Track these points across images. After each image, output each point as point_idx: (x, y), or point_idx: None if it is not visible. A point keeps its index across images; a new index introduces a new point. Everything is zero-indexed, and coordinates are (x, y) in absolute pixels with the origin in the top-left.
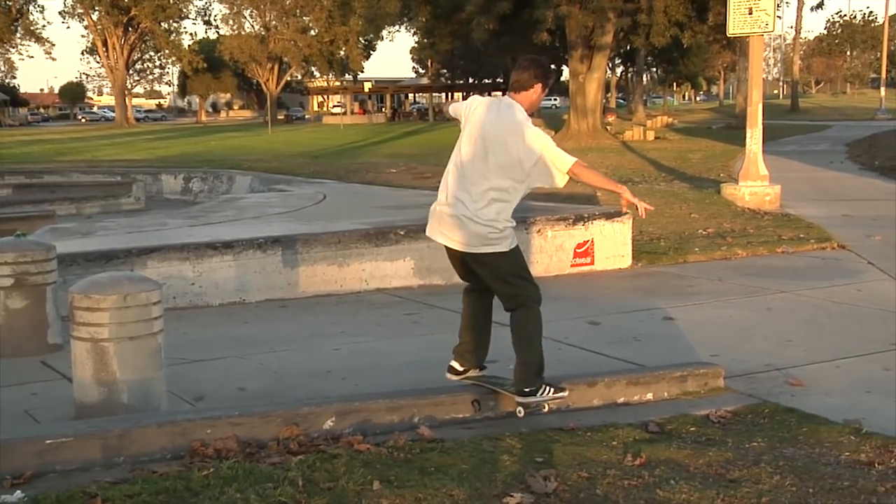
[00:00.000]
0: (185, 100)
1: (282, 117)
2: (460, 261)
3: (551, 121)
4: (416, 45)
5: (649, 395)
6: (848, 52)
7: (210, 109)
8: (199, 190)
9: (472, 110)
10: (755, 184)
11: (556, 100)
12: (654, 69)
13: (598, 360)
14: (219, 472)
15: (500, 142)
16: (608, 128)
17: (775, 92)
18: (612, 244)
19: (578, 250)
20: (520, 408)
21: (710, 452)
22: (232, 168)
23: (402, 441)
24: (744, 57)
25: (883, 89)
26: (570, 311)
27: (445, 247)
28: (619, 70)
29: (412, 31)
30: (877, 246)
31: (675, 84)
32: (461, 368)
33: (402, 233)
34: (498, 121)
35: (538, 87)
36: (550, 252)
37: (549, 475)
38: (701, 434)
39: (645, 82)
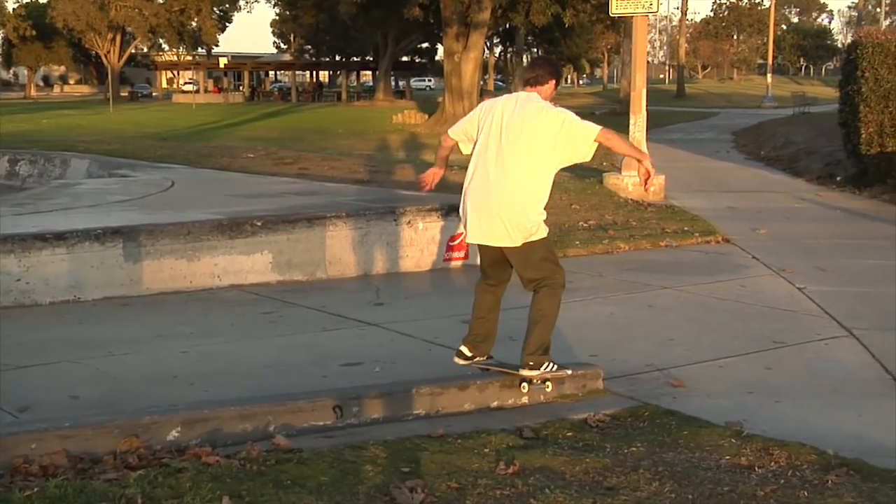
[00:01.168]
0: (11, 72)
1: (125, 94)
2: (495, 253)
3: (424, 104)
4: (276, 18)
5: (524, 399)
6: (735, 36)
7: (41, 83)
8: (27, 174)
9: (489, 111)
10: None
11: (429, 80)
12: (535, 49)
13: None
14: (44, 491)
15: (526, 129)
16: None
17: (661, 76)
18: None
19: (452, 243)
20: (524, 383)
21: (588, 459)
22: (66, 150)
23: (256, 452)
24: (628, 38)
25: (769, 76)
26: (442, 308)
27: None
28: (497, 50)
29: (272, 1)
30: (762, 239)
31: None
32: (470, 354)
33: (259, 224)
34: (521, 111)
35: (552, 82)
36: (422, 245)
37: (415, 486)
38: (578, 439)
39: (525, 63)
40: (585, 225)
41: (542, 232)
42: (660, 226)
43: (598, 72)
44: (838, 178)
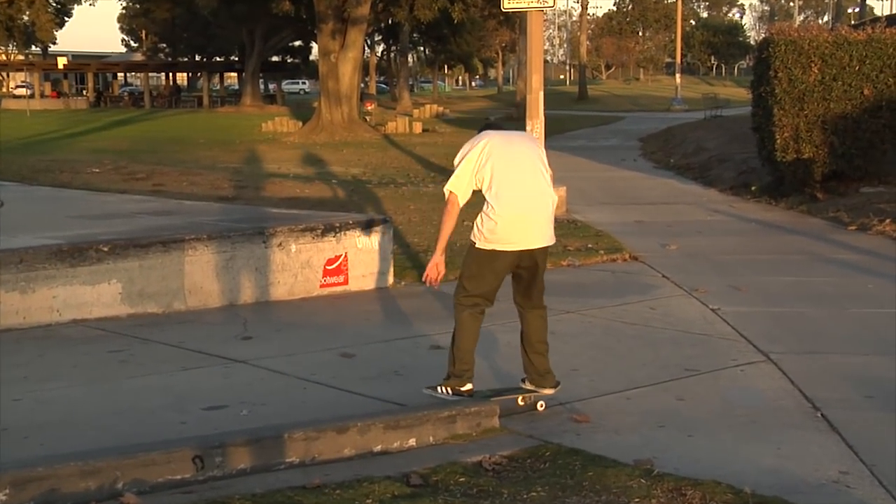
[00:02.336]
0: None
1: None
2: (519, 264)
3: (298, 109)
4: (124, 12)
5: (412, 441)
6: (640, 33)
7: None
8: None
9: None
10: None
11: (304, 83)
12: (422, 48)
13: (351, 400)
14: None
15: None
16: (367, 118)
17: (561, 77)
18: (369, 259)
19: (329, 267)
20: (542, 402)
21: None
22: None
23: None
24: (524, 35)
25: (678, 76)
26: (318, 341)
27: (503, 252)
28: (379, 49)
29: None
30: (672, 256)
31: (446, 66)
32: (473, 388)
33: (105, 249)
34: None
35: None
36: (295, 270)
37: None
38: (472, 485)
39: (411, 64)
40: None
41: None
42: (561, 243)
43: (492, 72)
44: (753, 188)
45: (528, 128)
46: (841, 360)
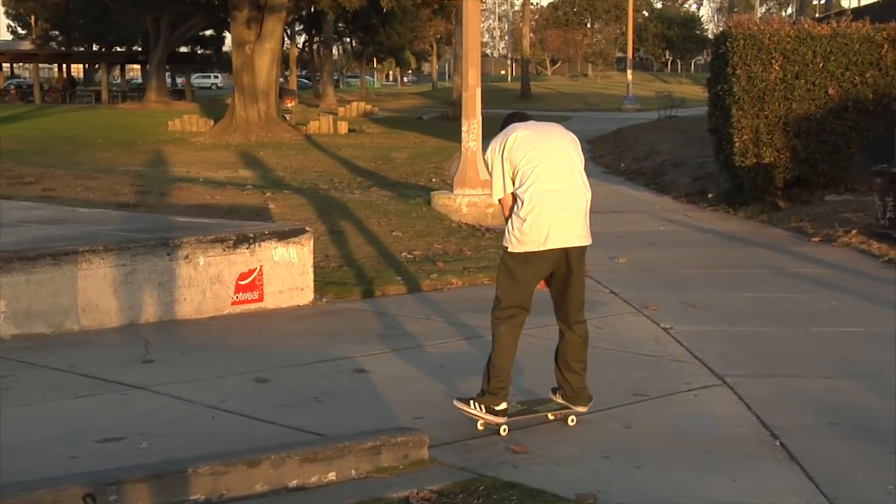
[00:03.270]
0: None
1: None
2: (554, 269)
3: (210, 106)
4: None
5: (331, 475)
6: (589, 25)
7: None
8: None
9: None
10: (474, 192)
11: (216, 77)
12: (348, 40)
13: (265, 430)
14: None
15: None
16: (287, 117)
17: (502, 73)
18: (287, 274)
19: (242, 282)
20: (573, 417)
21: None
22: None
23: None
24: (460, 26)
25: (630, 72)
26: (229, 364)
27: (535, 254)
28: (301, 40)
29: None
30: (621, 270)
31: (375, 60)
32: (506, 407)
33: None
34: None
35: None
36: (203, 285)
37: None
38: None
39: (336, 57)
40: (409, 256)
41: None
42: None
43: (426, 67)
44: (710, 195)
45: (463, 129)
46: (803, 384)
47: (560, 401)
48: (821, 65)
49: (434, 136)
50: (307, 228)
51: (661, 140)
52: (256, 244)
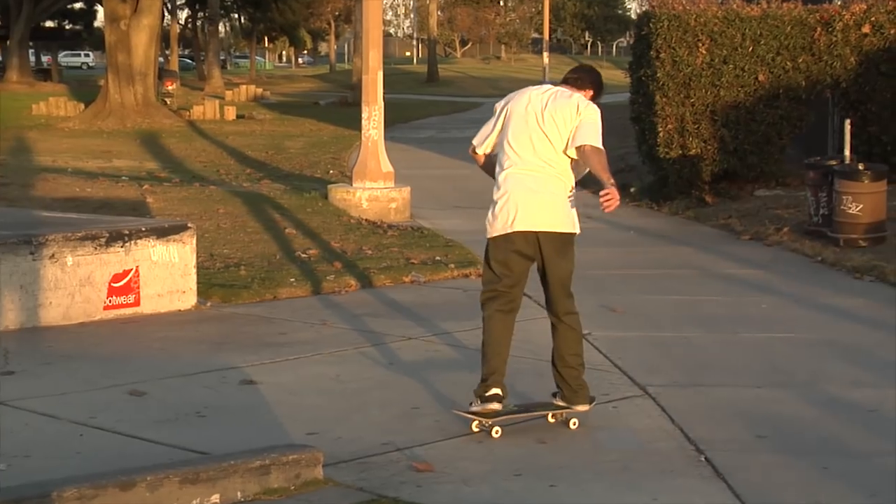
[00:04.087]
0: None
1: None
2: (525, 254)
3: (80, 88)
4: None
5: (215, 498)
6: (502, 3)
7: None
8: None
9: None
10: (376, 185)
11: (87, 56)
12: (237, 16)
13: (141, 448)
14: None
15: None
16: (167, 101)
17: (407, 54)
18: (167, 275)
19: (116, 285)
20: (575, 420)
21: None
22: None
23: None
24: (361, 3)
25: (546, 55)
26: (101, 376)
27: (497, 238)
28: (183, 15)
29: None
30: (533, 270)
31: (266, 39)
32: (503, 394)
33: None
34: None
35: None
36: (72, 288)
37: None
38: None
39: (222, 35)
40: (304, 256)
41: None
42: (404, 255)
43: (323, 47)
44: (632, 189)
45: (364, 115)
46: (730, 394)
47: (560, 403)
48: (750, 49)
49: (332, 124)
50: (190, 225)
51: None
52: (132, 242)
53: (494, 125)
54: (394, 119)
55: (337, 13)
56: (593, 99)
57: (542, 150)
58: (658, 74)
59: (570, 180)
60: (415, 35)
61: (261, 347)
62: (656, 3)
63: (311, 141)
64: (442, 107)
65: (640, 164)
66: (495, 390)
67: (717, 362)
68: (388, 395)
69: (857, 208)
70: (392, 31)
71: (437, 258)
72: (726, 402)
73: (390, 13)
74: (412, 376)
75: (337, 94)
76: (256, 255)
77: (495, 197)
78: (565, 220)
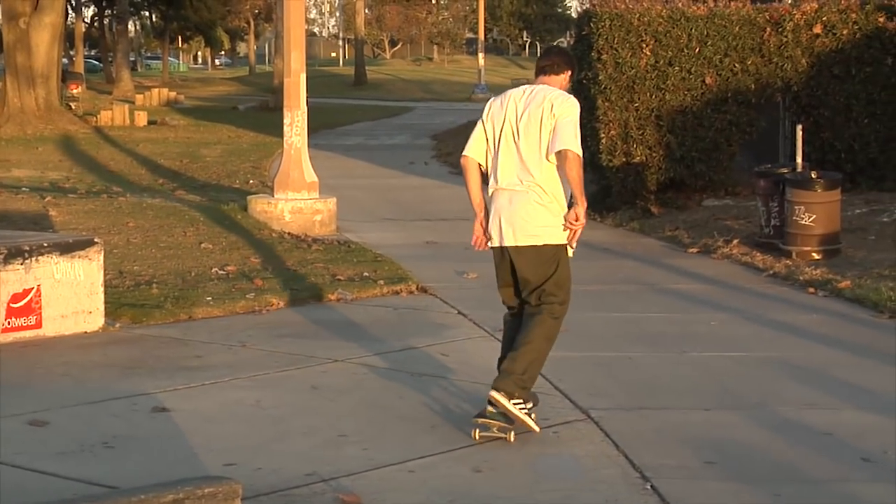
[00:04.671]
0: None
1: None
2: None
3: None
4: None
5: None
6: (434, 0)
7: None
8: None
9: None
10: (299, 196)
11: None
12: (147, 13)
13: (42, 482)
14: None
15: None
16: (72, 105)
17: (333, 55)
18: (71, 294)
19: (15, 305)
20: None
21: None
22: None
23: None
24: (282, 0)
25: (482, 56)
26: None
27: (494, 249)
28: (89, 13)
29: None
30: (472, 287)
31: (180, 39)
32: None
33: None
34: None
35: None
36: None
37: None
38: None
39: (132, 34)
40: (221, 272)
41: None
42: (329, 271)
43: (242, 48)
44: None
45: (286, 121)
46: (677, 417)
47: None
48: (697, 50)
49: (252, 130)
50: (96, 240)
51: None
52: (33, 259)
53: (484, 134)
54: (319, 125)
55: (257, 11)
56: (572, 77)
57: (526, 159)
58: (600, 77)
59: (557, 187)
60: (341, 35)
61: (174, 372)
62: (597, 2)
63: (230, 149)
64: (370, 111)
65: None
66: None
67: (663, 384)
68: (313, 422)
69: (810, 219)
70: (316, 30)
71: (366, 274)
72: (673, 426)
73: (314, 11)
74: (338, 402)
75: (257, 98)
76: (170, 272)
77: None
78: (540, 231)
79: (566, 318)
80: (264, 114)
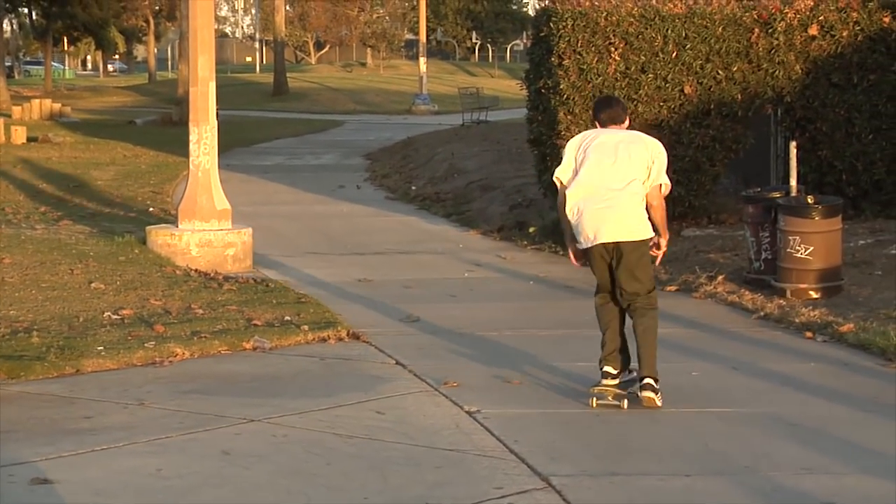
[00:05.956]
0: None
1: None
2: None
3: None
4: None
5: None
6: None
7: None
8: None
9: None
10: (208, 226)
11: None
12: (26, 10)
13: None
14: None
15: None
16: None
17: (248, 60)
18: None
19: None
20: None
21: None
22: None
23: None
24: None
25: (424, 61)
26: None
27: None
28: None
29: None
30: (411, 333)
31: (66, 41)
32: (615, 371)
33: None
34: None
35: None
36: None
37: None
38: None
39: (8, 35)
40: (116, 317)
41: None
42: (244, 314)
43: (139, 51)
44: (531, 229)
45: (192, 138)
46: (653, 485)
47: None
48: (674, 54)
49: (151, 148)
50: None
51: (467, 154)
52: None
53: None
54: (231, 142)
55: (157, 7)
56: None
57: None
58: (561, 86)
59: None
60: (257, 36)
61: (59, 436)
62: None
63: (125, 170)
64: (292, 126)
65: (542, 198)
66: (608, 369)
67: (637, 445)
68: (224, 495)
69: (807, 251)
70: (228, 30)
71: (287, 318)
72: (648, 494)
73: (225, 8)
74: (254, 469)
75: (158, 111)
76: (54, 317)
77: None
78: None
79: (516, 367)
80: (166, 129)
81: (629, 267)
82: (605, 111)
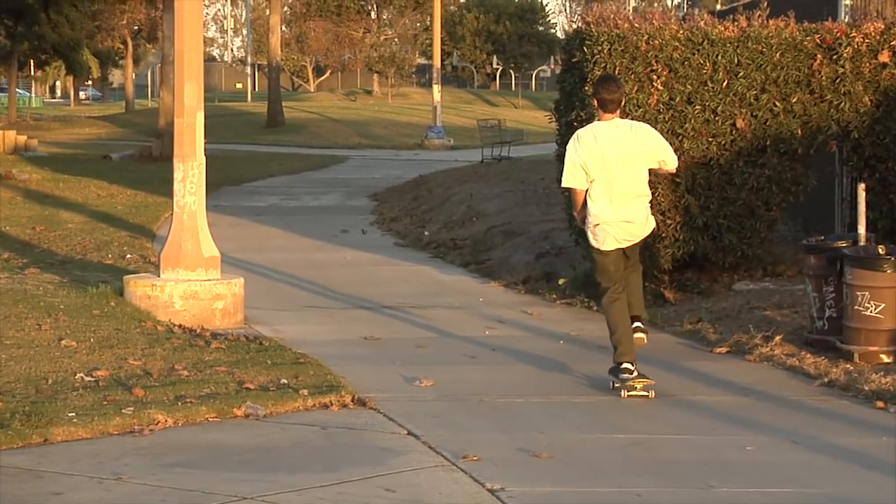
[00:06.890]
0: None
1: None
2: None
3: None
4: None
5: None
6: (374, 14)
7: None
8: None
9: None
10: (194, 275)
11: None
12: None
13: None
14: None
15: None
16: None
17: (239, 87)
18: None
19: None
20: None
21: None
22: None
23: None
24: (171, 14)
25: (438, 89)
26: None
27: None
28: None
29: None
30: (425, 399)
31: (33, 64)
32: (633, 366)
33: None
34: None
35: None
36: None
37: None
38: None
39: None
40: (89, 379)
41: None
42: (234, 377)
43: (115, 76)
44: (561, 281)
45: (176, 175)
46: None
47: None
48: (725, 83)
49: (129, 187)
50: None
51: (487, 195)
52: None
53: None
54: (220, 180)
55: (136, 27)
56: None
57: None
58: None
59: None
60: (249, 60)
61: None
62: (593, 19)
63: (99, 212)
64: (289, 162)
65: (573, 245)
66: (620, 361)
67: None
68: None
69: (878, 309)
70: (217, 53)
71: (284, 381)
72: None
73: (213, 28)
74: None
75: (136, 144)
76: (18, 379)
77: None
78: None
79: (544, 439)
80: (146, 165)
81: (637, 246)
82: (609, 93)
